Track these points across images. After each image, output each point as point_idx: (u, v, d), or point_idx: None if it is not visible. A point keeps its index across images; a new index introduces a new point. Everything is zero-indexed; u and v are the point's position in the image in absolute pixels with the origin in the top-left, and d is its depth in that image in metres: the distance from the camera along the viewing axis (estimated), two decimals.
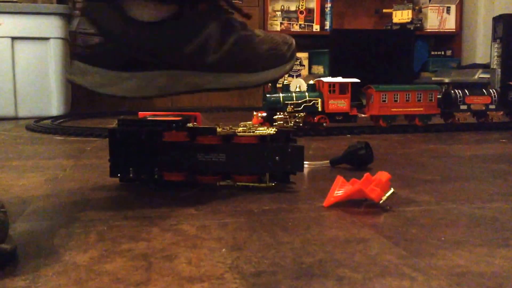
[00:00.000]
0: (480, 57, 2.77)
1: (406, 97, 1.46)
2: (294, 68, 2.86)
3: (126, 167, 0.70)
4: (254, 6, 2.78)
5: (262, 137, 0.68)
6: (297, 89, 1.43)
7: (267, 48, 0.69)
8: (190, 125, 0.71)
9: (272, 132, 0.68)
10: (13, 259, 0.42)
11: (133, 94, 0.60)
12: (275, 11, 2.90)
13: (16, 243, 0.43)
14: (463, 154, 1.04)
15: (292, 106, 1.37)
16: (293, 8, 2.91)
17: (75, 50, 0.61)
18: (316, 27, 2.91)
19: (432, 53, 2.98)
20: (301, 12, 2.90)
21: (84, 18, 0.58)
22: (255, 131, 0.68)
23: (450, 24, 2.96)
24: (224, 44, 0.64)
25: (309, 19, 2.91)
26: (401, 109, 1.46)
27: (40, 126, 1.56)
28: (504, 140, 1.26)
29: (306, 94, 1.39)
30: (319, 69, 2.86)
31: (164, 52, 0.60)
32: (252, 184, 0.69)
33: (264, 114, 1.36)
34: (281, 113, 1.30)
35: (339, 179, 0.62)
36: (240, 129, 0.69)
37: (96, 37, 0.58)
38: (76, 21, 0.65)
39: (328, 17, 2.92)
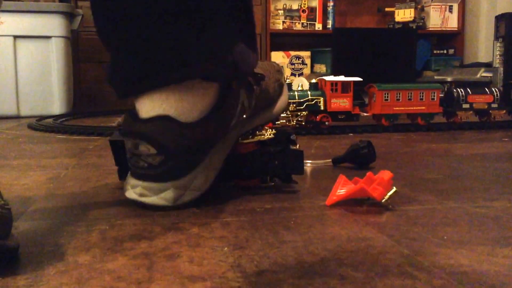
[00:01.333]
0: (483, 55, 2.77)
1: (408, 96, 1.46)
2: (296, 67, 2.86)
3: None
4: (256, 4, 2.77)
5: (262, 142, 0.68)
6: (299, 88, 1.43)
7: (273, 83, 0.75)
8: None
9: (271, 136, 0.68)
10: (15, 257, 0.42)
11: (207, 186, 0.60)
12: (277, 9, 2.90)
13: (19, 242, 0.43)
14: (465, 153, 1.03)
15: (294, 105, 1.37)
16: (295, 6, 2.91)
17: (138, 171, 0.59)
18: (318, 26, 2.91)
19: (435, 51, 2.98)
20: (303, 11, 2.90)
21: (141, 141, 0.56)
22: (254, 137, 0.68)
23: (452, 22, 2.95)
24: (252, 98, 0.68)
25: (311, 18, 2.91)
26: (403, 108, 1.46)
27: (42, 125, 1.56)
28: (506, 139, 1.26)
29: (309, 93, 1.39)
30: (321, 67, 2.86)
31: (216, 137, 0.61)
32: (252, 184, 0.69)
33: None
34: (283, 112, 1.30)
35: (342, 178, 0.62)
36: None
37: (158, 156, 0.56)
38: (129, 143, 0.60)
39: (330, 16, 2.92)
